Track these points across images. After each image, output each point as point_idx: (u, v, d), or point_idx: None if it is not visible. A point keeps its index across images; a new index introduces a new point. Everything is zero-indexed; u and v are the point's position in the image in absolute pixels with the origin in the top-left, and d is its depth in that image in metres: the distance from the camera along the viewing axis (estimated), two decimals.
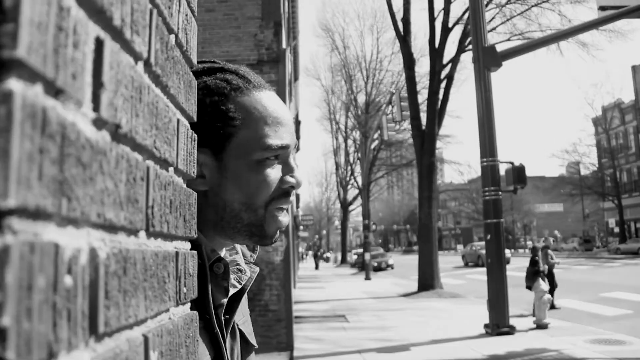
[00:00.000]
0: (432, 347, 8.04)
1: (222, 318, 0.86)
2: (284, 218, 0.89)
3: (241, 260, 0.96)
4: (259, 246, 0.98)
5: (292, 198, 0.91)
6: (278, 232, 0.90)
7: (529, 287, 10.10)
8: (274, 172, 0.86)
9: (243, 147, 0.84)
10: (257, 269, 0.98)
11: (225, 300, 0.88)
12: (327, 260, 64.45)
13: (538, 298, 9.32)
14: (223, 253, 0.94)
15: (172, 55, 0.64)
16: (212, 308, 0.81)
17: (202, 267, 0.79)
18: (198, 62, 0.89)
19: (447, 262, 38.15)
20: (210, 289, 0.81)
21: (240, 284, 0.92)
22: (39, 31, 0.32)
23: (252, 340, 1.00)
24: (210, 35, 7.76)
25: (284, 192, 0.88)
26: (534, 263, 10.12)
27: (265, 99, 0.88)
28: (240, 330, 0.97)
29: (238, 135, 0.84)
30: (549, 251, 11.41)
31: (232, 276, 0.91)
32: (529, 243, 63.78)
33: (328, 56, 68.16)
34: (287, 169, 0.89)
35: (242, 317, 1.00)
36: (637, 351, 7.22)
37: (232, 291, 0.90)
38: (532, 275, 10.00)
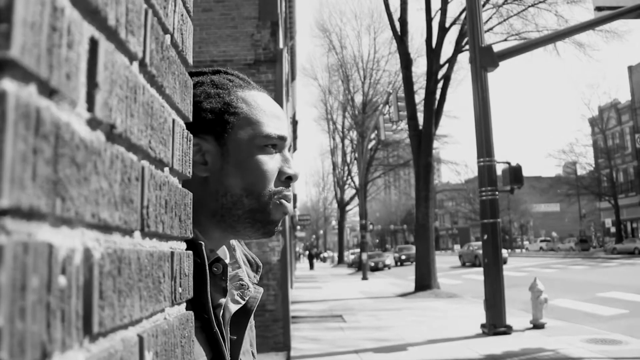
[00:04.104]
0: (429, 346, 8.05)
1: (221, 318, 0.86)
2: (288, 204, 0.94)
3: (244, 276, 0.95)
4: (260, 240, 0.99)
5: (291, 191, 0.95)
6: (283, 217, 0.94)
7: None
8: (273, 161, 0.91)
9: (245, 134, 0.89)
10: (261, 290, 0.97)
11: (223, 300, 0.87)
12: (324, 260, 64.44)
13: (535, 297, 9.33)
14: (227, 256, 0.94)
15: (168, 56, 0.64)
16: (211, 307, 0.81)
17: (201, 266, 0.79)
18: (202, 68, 0.97)
19: (444, 262, 38.17)
20: (208, 288, 0.80)
21: (244, 299, 0.92)
22: (32, 31, 0.32)
23: (245, 358, 0.96)
24: (207, 35, 7.75)
25: (284, 183, 0.93)
26: None
27: (264, 96, 0.97)
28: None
29: (240, 123, 0.90)
30: None
31: (235, 292, 0.90)
32: (526, 243, 64.00)
33: (325, 56, 68.10)
34: (285, 161, 0.94)
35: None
36: (634, 351, 7.24)
37: (235, 307, 0.89)
38: None
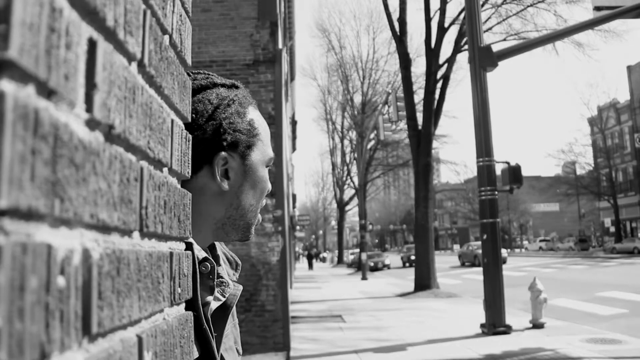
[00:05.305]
0: (428, 346, 8.05)
1: (209, 316, 0.88)
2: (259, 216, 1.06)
3: (224, 273, 0.98)
4: (246, 242, 1.04)
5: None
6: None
7: None
8: (269, 180, 1.02)
9: (261, 156, 0.98)
10: (241, 287, 1.01)
11: (210, 298, 0.90)
12: (323, 260, 64.41)
13: (534, 297, 9.33)
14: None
15: (166, 56, 0.64)
16: (200, 305, 0.83)
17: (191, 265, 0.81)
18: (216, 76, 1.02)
19: (444, 262, 38.16)
20: (198, 286, 0.82)
21: (224, 296, 0.94)
22: (31, 32, 0.32)
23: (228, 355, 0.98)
24: (206, 35, 7.75)
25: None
26: None
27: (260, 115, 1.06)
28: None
29: (257, 145, 0.98)
30: None
31: (215, 289, 0.93)
32: (526, 243, 64.03)
33: (324, 56, 68.11)
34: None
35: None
36: (633, 350, 7.24)
37: (216, 304, 0.92)
38: None
